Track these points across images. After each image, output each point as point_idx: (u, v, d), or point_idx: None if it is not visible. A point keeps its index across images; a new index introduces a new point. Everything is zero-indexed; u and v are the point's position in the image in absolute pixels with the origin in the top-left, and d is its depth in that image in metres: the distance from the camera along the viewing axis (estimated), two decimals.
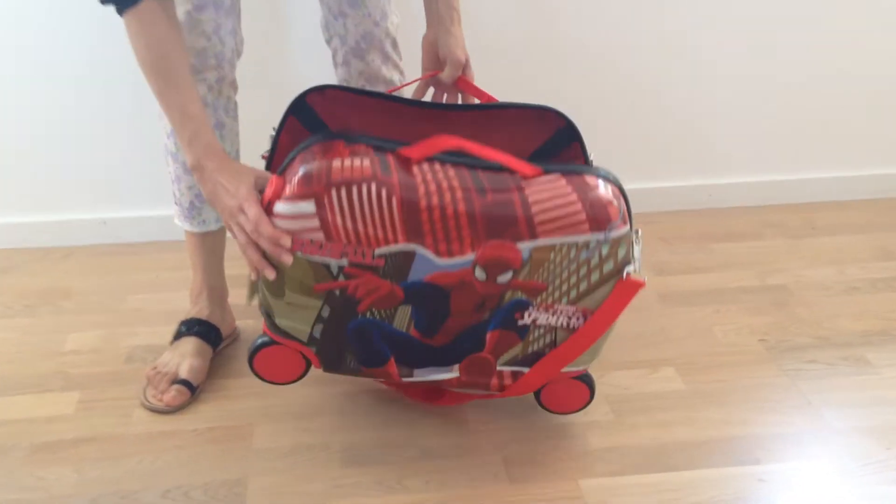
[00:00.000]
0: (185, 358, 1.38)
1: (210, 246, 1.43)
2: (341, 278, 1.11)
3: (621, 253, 1.09)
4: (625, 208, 1.09)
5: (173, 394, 1.33)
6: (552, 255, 1.09)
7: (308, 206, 1.06)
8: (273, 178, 1.08)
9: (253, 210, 1.08)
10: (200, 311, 1.45)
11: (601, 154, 1.24)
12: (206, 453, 1.25)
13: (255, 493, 1.18)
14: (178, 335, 1.42)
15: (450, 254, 1.09)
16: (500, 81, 1.43)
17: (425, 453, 1.25)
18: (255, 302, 1.18)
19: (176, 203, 1.40)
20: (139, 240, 1.84)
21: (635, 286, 1.11)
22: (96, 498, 1.17)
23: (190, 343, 1.40)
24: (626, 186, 1.11)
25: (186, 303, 1.48)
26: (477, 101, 1.27)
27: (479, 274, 1.10)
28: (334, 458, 1.24)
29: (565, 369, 1.20)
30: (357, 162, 1.06)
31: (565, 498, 1.17)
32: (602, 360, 1.44)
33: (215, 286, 1.46)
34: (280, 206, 1.07)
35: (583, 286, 1.11)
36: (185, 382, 1.35)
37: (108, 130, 1.76)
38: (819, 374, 1.41)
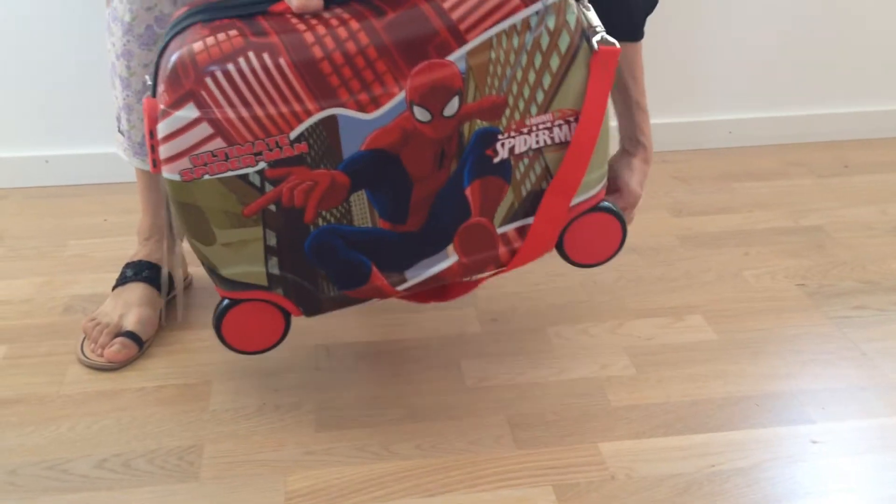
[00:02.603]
0: (132, 307, 1.17)
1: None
2: (268, 188, 0.90)
3: (571, 20, 0.90)
4: None
5: (117, 348, 1.13)
6: (492, 54, 0.89)
7: (189, 112, 0.85)
8: (145, 103, 0.87)
9: None
10: (150, 253, 1.24)
11: None
12: (153, 416, 1.05)
13: (210, 461, 0.98)
14: (122, 280, 1.21)
15: (375, 103, 0.88)
16: None
17: (415, 414, 1.05)
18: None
19: (121, 133, 1.18)
20: (85, 181, 1.64)
21: (612, 55, 0.92)
22: (16, 469, 0.97)
23: (137, 290, 1.19)
24: None
25: (136, 246, 1.27)
26: None
27: (421, 114, 0.90)
28: (307, 419, 1.04)
29: (577, 200, 0.99)
30: (222, 35, 0.85)
31: (584, 464, 0.97)
32: (618, 307, 1.25)
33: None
34: (160, 127, 0.86)
35: (546, 81, 0.92)
36: (130, 335, 1.15)
37: (51, 58, 1.54)
38: (870, 321, 1.22)
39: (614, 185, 1.12)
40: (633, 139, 1.13)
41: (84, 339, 1.16)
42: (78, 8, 1.50)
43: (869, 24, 1.74)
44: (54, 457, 0.98)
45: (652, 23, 1.07)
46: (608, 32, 1.03)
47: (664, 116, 1.75)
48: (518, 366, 1.13)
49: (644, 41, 1.08)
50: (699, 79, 1.75)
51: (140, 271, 1.21)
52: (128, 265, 1.23)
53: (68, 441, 1.01)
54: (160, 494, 0.93)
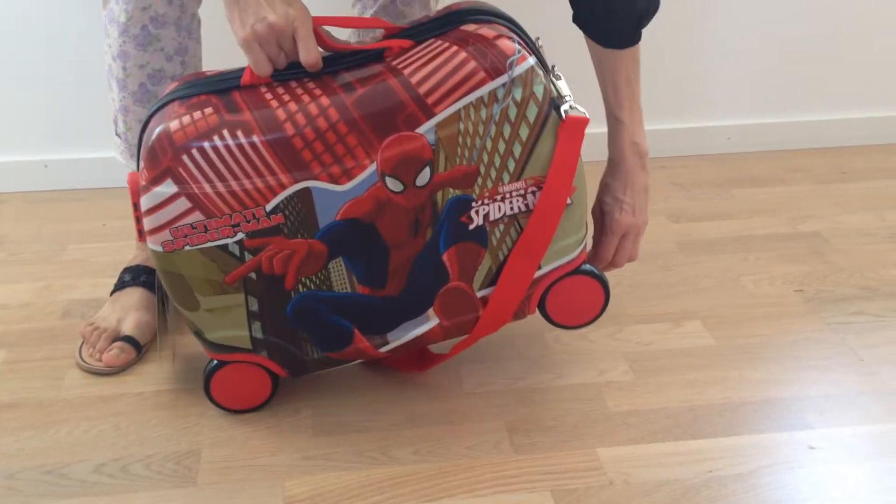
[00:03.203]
0: (130, 311, 1.18)
1: None
2: (247, 257, 0.93)
3: (539, 90, 0.92)
4: (520, 40, 0.92)
5: (115, 352, 1.13)
6: (461, 126, 0.91)
7: (168, 188, 0.89)
8: (129, 177, 0.91)
9: (311, 43, 0.88)
10: (148, 258, 1.24)
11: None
12: (151, 421, 1.05)
13: (208, 466, 0.98)
14: (120, 285, 1.21)
15: (347, 175, 0.91)
16: None
17: (414, 419, 1.05)
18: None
19: (118, 136, 1.18)
20: (84, 185, 1.64)
21: (580, 124, 0.93)
22: (15, 473, 0.97)
23: (135, 294, 1.20)
24: None
25: (134, 251, 1.27)
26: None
27: (393, 184, 0.92)
28: (304, 424, 1.04)
29: (557, 262, 1.01)
30: (197, 114, 0.89)
31: (582, 470, 0.97)
32: (617, 312, 1.25)
33: None
34: (143, 201, 0.90)
35: (517, 150, 0.94)
36: (129, 339, 1.15)
37: (51, 62, 1.55)
38: (868, 327, 1.22)
39: (603, 213, 1.11)
40: (610, 153, 1.10)
41: (82, 343, 1.16)
42: (77, 12, 1.50)
43: (867, 30, 1.74)
44: (53, 461, 0.98)
45: (651, 28, 1.07)
46: (592, 34, 1.05)
47: (663, 122, 1.75)
48: (517, 371, 1.13)
49: (643, 46, 1.08)
50: (698, 85, 1.75)
51: (138, 276, 1.21)
52: (126, 270, 1.23)
53: (66, 445, 1.01)
54: (158, 499, 0.93)
